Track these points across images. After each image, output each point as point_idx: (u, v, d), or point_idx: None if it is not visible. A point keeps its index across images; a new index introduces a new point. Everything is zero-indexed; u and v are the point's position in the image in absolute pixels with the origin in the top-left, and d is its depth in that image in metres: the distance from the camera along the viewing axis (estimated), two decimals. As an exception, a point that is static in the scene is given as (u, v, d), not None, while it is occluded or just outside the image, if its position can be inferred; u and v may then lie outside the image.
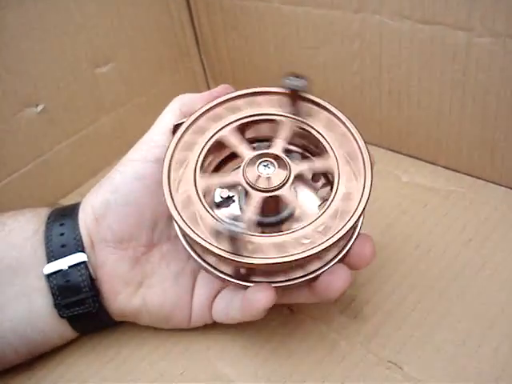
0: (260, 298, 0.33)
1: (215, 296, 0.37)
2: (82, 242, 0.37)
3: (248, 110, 0.37)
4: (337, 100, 0.54)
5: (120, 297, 0.37)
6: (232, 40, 0.60)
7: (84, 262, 0.36)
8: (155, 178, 0.36)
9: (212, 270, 0.35)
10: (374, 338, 0.38)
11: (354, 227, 0.33)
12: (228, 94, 0.38)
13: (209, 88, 0.66)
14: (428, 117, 0.49)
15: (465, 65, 0.44)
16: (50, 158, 0.53)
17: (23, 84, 0.50)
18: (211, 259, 0.35)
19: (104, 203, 0.37)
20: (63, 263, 0.36)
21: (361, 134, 0.35)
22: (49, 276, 0.36)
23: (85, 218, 0.38)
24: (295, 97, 0.36)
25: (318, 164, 0.36)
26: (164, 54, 0.61)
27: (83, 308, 0.37)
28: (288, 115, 0.37)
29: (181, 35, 0.61)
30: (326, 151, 0.36)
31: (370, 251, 0.35)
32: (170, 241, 0.38)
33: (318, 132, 0.36)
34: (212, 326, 0.39)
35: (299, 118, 0.37)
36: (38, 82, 0.51)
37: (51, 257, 0.37)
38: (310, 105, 0.37)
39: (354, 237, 0.35)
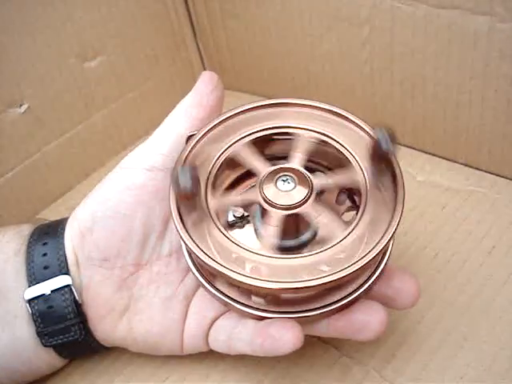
0: (288, 339, 0.29)
1: (211, 324, 0.34)
2: (66, 263, 0.34)
3: (265, 122, 0.34)
4: (344, 92, 0.51)
5: (104, 323, 0.34)
6: (231, 28, 0.56)
7: (68, 286, 0.33)
8: (148, 188, 0.34)
9: (220, 296, 0.32)
10: (390, 362, 0.35)
11: (381, 256, 0.30)
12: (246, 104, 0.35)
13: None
14: (445, 110, 0.46)
15: (486, 53, 0.40)
16: (37, 161, 0.50)
17: (5, 83, 0.46)
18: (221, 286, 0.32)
19: (91, 215, 0.34)
20: (45, 287, 0.33)
21: (395, 156, 0.32)
22: (30, 301, 0.33)
23: (71, 233, 0.35)
24: (381, 158, 0.31)
25: (342, 179, 0.33)
26: (158, 44, 0.57)
27: (68, 336, 0.34)
28: (306, 127, 0.34)
29: (176, 24, 0.57)
30: (352, 165, 0.33)
31: (414, 287, 0.31)
32: (160, 260, 0.35)
33: (343, 146, 0.33)
34: (210, 351, 0.35)
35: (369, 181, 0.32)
36: (21, 80, 0.47)
37: (33, 280, 0.34)
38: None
39: (381, 268, 0.31)
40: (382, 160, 0.30)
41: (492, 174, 0.46)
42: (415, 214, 0.44)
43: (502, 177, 0.45)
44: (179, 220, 0.30)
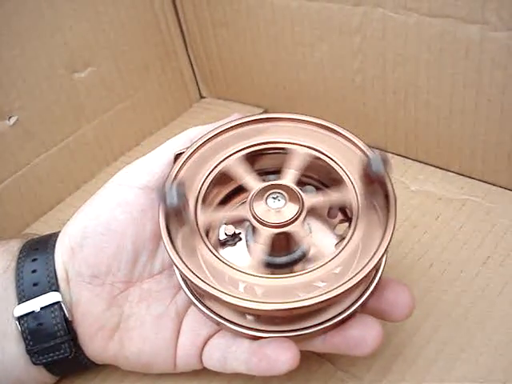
0: (285, 359, 0.29)
1: (205, 342, 0.33)
2: (56, 279, 0.33)
3: (256, 137, 0.34)
4: (336, 101, 0.51)
5: (95, 340, 0.33)
6: (221, 37, 0.55)
7: (58, 303, 0.33)
8: (140, 206, 0.34)
9: (212, 315, 0.31)
10: (386, 376, 0.34)
11: (376, 269, 0.29)
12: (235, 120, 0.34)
13: (199, 89, 0.62)
14: (438, 118, 0.45)
15: (479, 62, 0.40)
16: (27, 174, 0.49)
17: (-7, 95, 0.45)
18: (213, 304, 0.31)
19: (81, 231, 0.33)
20: (35, 304, 0.33)
21: (389, 178, 0.31)
22: (19, 319, 0.32)
23: (61, 249, 0.34)
24: (373, 179, 0.30)
25: (334, 196, 0.32)
26: (148, 54, 0.56)
27: (58, 354, 0.33)
28: (299, 143, 0.33)
29: (166, 33, 0.57)
30: (344, 182, 0.32)
31: (408, 299, 0.31)
32: (152, 278, 0.34)
33: (335, 162, 0.33)
34: (203, 368, 0.34)
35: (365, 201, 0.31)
36: (10, 92, 0.46)
37: (22, 297, 0.33)
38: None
39: (376, 281, 0.31)
40: (373, 181, 0.30)
41: (486, 182, 0.46)
42: (409, 223, 0.43)
43: (496, 185, 0.45)
44: (169, 242, 0.30)
